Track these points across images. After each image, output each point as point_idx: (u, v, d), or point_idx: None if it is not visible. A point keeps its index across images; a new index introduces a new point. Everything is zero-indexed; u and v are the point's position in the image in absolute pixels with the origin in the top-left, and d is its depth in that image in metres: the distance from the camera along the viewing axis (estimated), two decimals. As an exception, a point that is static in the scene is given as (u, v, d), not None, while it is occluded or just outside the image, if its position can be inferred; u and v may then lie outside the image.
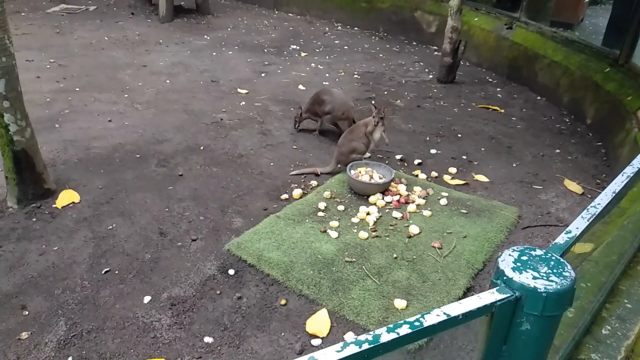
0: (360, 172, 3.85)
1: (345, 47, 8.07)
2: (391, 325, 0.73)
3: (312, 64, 7.04)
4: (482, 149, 4.72)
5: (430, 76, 6.82)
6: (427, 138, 4.90)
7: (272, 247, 3.11)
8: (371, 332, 0.70)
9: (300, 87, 6.06)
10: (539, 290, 0.81)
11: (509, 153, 4.68)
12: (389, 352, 0.71)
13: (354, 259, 3.05)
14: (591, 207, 1.12)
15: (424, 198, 3.74)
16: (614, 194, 1.19)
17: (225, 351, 2.43)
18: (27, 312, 2.59)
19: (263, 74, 6.46)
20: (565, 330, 1.71)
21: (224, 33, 8.46)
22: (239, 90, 5.82)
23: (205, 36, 8.17)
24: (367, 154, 4.39)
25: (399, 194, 3.77)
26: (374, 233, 3.31)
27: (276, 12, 10.32)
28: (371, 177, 3.81)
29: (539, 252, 0.90)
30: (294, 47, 7.90)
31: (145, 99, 5.42)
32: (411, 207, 3.59)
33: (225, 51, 7.43)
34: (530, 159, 4.62)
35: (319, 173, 4.10)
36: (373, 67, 7.06)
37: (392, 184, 3.86)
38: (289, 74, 6.56)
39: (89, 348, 2.41)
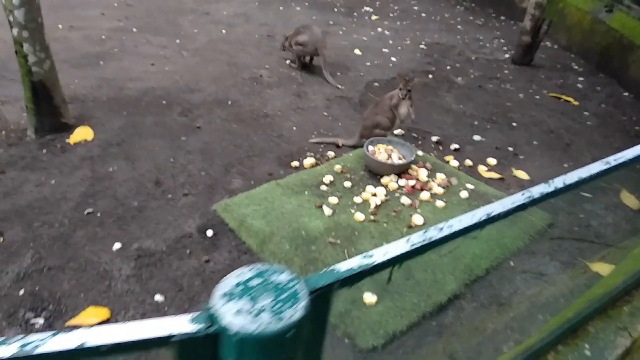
0: (379, 149, 3.55)
1: (423, 15, 7.53)
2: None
3: (379, 29, 6.63)
4: (535, 142, 4.19)
5: (507, 55, 6.18)
6: (476, 122, 4.44)
7: (257, 215, 2.94)
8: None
9: (357, 51, 5.73)
10: (229, 329, 0.57)
11: (565, 151, 4.12)
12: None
13: (338, 241, 2.81)
14: (434, 229, 0.81)
15: (444, 187, 3.38)
16: (487, 217, 0.87)
17: (171, 313, 2.33)
18: (1, 240, 2.64)
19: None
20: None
21: (300, -12, 8.20)
22: (291, 47, 5.60)
23: (280, -10, 7.97)
24: (401, 131, 4.06)
25: (417, 178, 3.43)
26: (372, 217, 3.03)
27: (362, -29, 9.86)
28: (389, 156, 3.50)
29: (283, 277, 0.64)
30: (367, 9, 7.49)
31: (194, 47, 5.37)
32: (424, 195, 3.25)
33: (294, 6, 7.20)
34: (588, 161, 4.01)
35: (341, 144, 3.84)
36: (445, 39, 6.52)
37: (414, 167, 3.53)
38: (350, 36, 6.22)
39: (43, 285, 2.41)
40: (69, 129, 3.61)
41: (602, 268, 2.73)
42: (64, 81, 4.24)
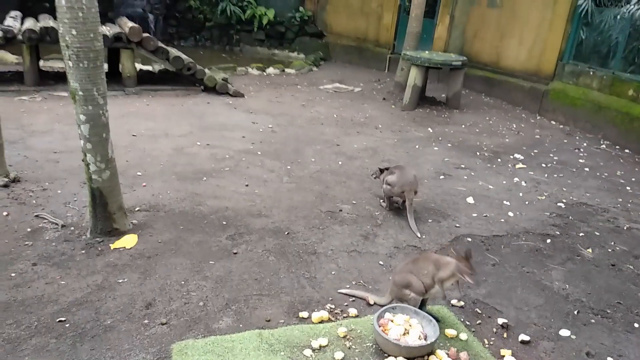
0: (395, 321, 2.85)
1: (586, 170, 6.42)
2: None
3: (516, 179, 5.82)
4: (655, 359, 2.92)
5: (681, 232, 4.74)
6: (577, 312, 3.33)
7: (206, 367, 2.54)
8: None
9: (469, 199, 5.05)
10: None
11: None
12: None
13: None
14: None
15: (463, 392, 2.50)
16: None
17: None
18: (-29, 328, 2.75)
19: (442, 177, 5.67)
20: None
21: (453, 129, 7.89)
22: (394, 187, 5.23)
23: (429, 129, 7.78)
24: (461, 302, 3.29)
25: (434, 371, 2.62)
26: (335, 407, 2.35)
27: (538, 117, 9.11)
28: (406, 332, 2.77)
29: None
30: (517, 156, 6.73)
31: (300, 174, 5.41)
32: (425, 397, 2.43)
33: (432, 146, 6.87)
34: None
35: (372, 302, 3.24)
36: (597, 200, 5.36)
37: (439, 353, 2.72)
38: (474, 183, 5.57)
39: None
40: (120, 234, 3.81)
41: None
42: (158, 191, 4.62)
